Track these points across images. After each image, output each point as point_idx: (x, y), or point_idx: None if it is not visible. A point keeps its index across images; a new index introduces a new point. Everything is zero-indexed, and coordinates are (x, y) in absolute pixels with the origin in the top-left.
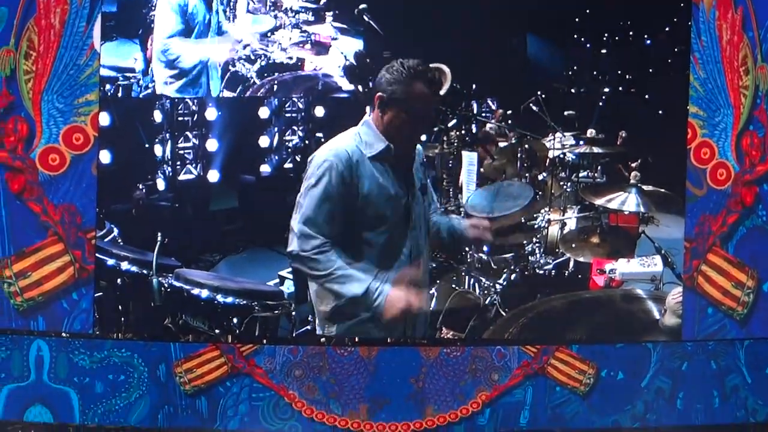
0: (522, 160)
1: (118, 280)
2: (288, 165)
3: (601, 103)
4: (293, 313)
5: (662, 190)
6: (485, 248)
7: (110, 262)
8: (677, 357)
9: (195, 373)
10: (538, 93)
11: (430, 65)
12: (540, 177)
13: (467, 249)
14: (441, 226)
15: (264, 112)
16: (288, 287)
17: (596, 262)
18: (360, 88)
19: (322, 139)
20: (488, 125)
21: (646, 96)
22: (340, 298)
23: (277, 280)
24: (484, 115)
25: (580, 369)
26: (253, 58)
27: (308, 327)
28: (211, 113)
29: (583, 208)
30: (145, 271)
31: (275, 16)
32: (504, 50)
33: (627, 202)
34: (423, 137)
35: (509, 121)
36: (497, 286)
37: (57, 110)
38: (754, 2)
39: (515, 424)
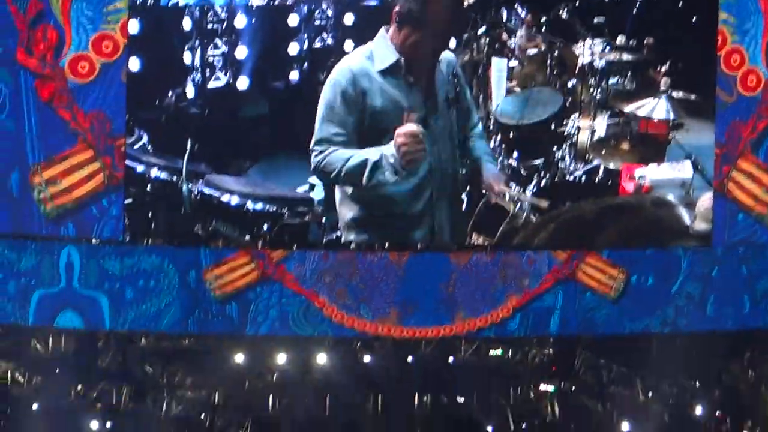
0: (551, 68)
1: (148, 187)
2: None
3: (634, 11)
4: (323, 219)
5: (692, 96)
6: (515, 154)
7: (140, 168)
8: (707, 262)
9: (225, 279)
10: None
11: None
12: (569, 84)
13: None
14: (472, 158)
15: (293, 20)
16: (318, 194)
17: (626, 168)
18: None
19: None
20: (518, 33)
21: (679, 3)
22: (364, 172)
23: (307, 187)
24: (513, 22)
25: (611, 274)
26: None
27: (338, 233)
28: (241, 21)
29: (613, 114)
30: (174, 178)
31: None
32: None
33: (657, 108)
34: (452, 44)
35: (543, 29)
36: (527, 193)
37: (86, 18)
38: None
39: (545, 330)
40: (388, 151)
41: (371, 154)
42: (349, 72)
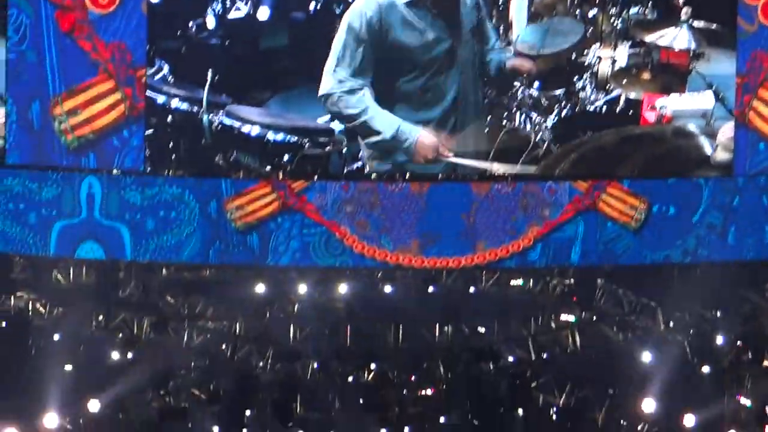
0: None
1: (169, 118)
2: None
3: None
4: (344, 149)
5: (713, 26)
6: (536, 84)
7: (161, 99)
8: (729, 192)
9: (246, 210)
10: None
11: None
12: (590, 14)
13: (514, 83)
14: (492, 63)
15: None
16: (338, 124)
17: (647, 98)
18: None
19: None
20: None
21: None
22: (372, 136)
23: (328, 117)
24: None
25: (632, 204)
26: None
27: (359, 163)
28: None
29: (634, 44)
30: (195, 109)
31: None
32: None
33: (678, 38)
34: None
35: None
36: (548, 122)
37: None
38: None
39: (566, 260)
40: (405, 127)
41: (387, 126)
42: (376, 4)
